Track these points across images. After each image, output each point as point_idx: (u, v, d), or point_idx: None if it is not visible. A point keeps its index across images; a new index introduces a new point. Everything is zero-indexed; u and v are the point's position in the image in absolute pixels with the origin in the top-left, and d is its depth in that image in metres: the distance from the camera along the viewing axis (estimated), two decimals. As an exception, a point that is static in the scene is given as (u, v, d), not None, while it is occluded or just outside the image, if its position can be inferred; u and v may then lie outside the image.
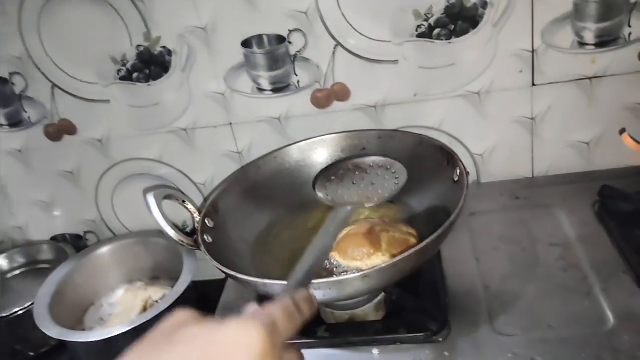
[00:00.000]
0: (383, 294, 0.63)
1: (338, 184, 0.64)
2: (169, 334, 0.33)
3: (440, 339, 0.56)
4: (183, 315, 0.35)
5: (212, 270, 0.68)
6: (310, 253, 0.46)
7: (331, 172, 0.66)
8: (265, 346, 0.30)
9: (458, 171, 0.60)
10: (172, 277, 0.77)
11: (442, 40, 0.71)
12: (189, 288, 0.73)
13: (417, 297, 0.61)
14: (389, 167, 0.64)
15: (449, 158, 0.63)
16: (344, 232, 0.60)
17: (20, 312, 0.78)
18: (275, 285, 0.51)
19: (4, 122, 0.84)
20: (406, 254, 0.49)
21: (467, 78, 0.73)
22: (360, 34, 0.71)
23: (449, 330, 0.57)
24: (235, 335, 0.30)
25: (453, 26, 0.70)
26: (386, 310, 0.62)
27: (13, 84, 0.81)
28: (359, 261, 0.58)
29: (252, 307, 0.35)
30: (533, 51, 0.70)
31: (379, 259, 0.57)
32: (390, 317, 0.61)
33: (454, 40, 0.70)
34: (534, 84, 0.72)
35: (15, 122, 0.84)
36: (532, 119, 0.74)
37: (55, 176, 0.88)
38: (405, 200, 0.67)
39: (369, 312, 0.62)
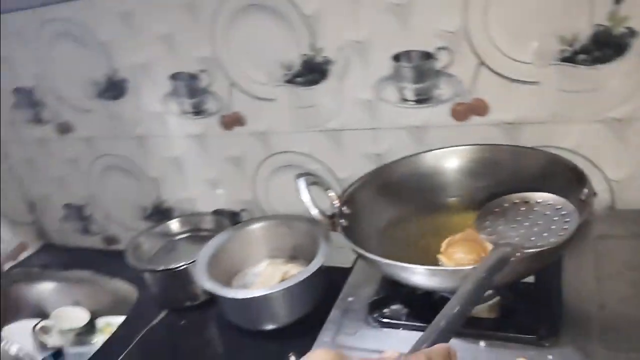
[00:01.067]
0: (498, 297, 0.67)
1: (500, 218, 0.62)
2: None
3: (547, 344, 0.59)
4: (324, 356, 0.36)
5: (340, 258, 0.78)
6: (455, 300, 0.44)
7: (494, 205, 0.65)
8: None
9: (585, 190, 0.63)
10: (308, 259, 0.87)
11: (586, 65, 0.73)
12: (321, 269, 0.83)
13: (530, 302, 0.65)
14: (559, 207, 0.60)
15: (579, 178, 0.66)
16: (451, 238, 0.65)
17: (184, 267, 0.94)
18: (397, 267, 0.59)
19: (189, 110, 1.02)
20: (521, 256, 0.54)
21: (609, 104, 0.74)
22: (504, 54, 0.76)
23: (557, 336, 0.60)
24: None
25: (598, 53, 0.72)
26: (499, 313, 0.67)
27: (200, 79, 0.97)
28: (465, 266, 0.62)
29: (391, 354, 0.37)
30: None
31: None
32: (502, 317, 0.65)
33: (598, 66, 0.72)
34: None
35: (198, 111, 1.01)
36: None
37: (223, 159, 1.04)
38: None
39: (482, 311, 0.67)
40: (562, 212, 0.59)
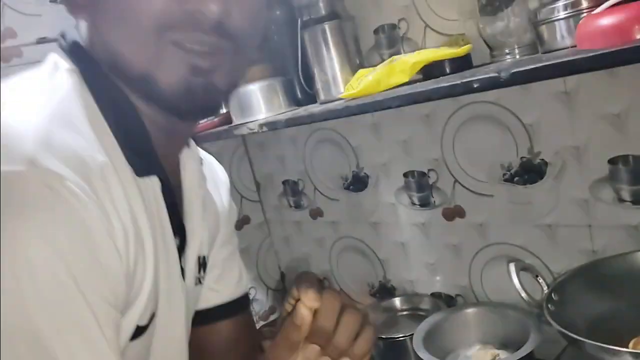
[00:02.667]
0: None
1: None
2: None
3: None
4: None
5: (545, 351, 0.83)
6: None
7: None
8: None
9: None
10: (517, 347, 0.93)
11: (520, 184, 0.98)
12: (531, 354, 0.88)
13: None
14: None
15: None
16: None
17: (402, 338, 1.07)
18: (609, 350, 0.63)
19: (416, 202, 1.19)
20: None
21: (540, 214, 0.98)
22: None
23: None
24: None
25: (527, 176, 0.98)
26: None
27: (429, 176, 1.15)
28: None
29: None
30: None
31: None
32: None
33: (528, 185, 0.98)
34: None
35: (424, 204, 1.18)
36: None
37: (443, 247, 1.18)
38: None
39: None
40: None
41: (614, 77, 0.84)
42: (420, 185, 1.17)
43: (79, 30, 0.57)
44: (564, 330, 0.70)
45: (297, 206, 1.48)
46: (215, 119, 1.18)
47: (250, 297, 1.53)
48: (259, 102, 1.08)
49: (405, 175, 1.19)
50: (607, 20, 0.58)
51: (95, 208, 0.45)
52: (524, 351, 0.89)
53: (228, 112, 1.14)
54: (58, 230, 0.43)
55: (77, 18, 0.56)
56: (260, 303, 1.60)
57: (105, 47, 0.53)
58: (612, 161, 0.89)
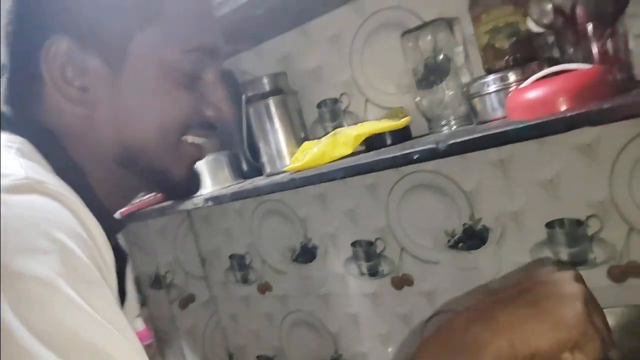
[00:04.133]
0: None
1: None
2: None
3: None
4: None
5: None
6: None
7: None
8: None
9: None
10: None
11: (464, 250, 1.00)
12: None
13: None
14: None
15: None
16: None
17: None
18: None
19: (365, 272, 1.19)
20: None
21: (486, 278, 0.98)
22: (655, 220, 0.82)
23: None
24: None
25: (470, 242, 1.00)
26: None
27: (376, 245, 1.16)
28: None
29: None
30: None
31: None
32: None
33: (472, 251, 1.00)
34: None
35: (373, 273, 1.18)
36: None
37: (393, 316, 1.17)
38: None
39: None
40: None
41: (543, 145, 0.89)
42: (369, 255, 1.18)
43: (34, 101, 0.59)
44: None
45: (245, 281, 1.44)
46: (159, 195, 1.16)
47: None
48: (204, 176, 1.07)
49: (353, 244, 1.19)
50: (533, 94, 0.62)
51: None
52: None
53: (172, 187, 1.12)
54: None
55: (75, 105, 0.59)
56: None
57: (116, 139, 0.59)
58: (549, 225, 0.92)
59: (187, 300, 1.47)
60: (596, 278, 0.89)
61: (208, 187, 1.08)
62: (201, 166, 1.07)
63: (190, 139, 0.63)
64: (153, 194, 1.17)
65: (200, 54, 0.62)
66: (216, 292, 1.53)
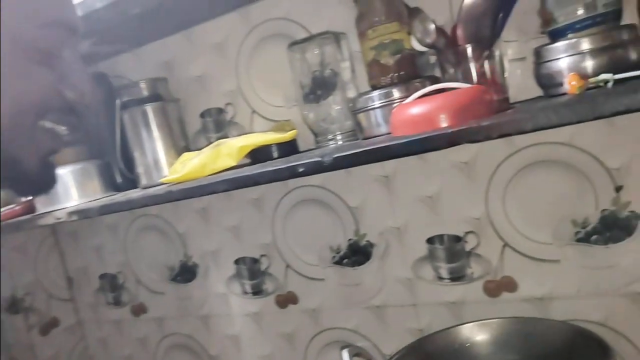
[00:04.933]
0: None
1: None
2: None
3: None
4: None
5: None
6: None
7: None
8: None
9: None
10: None
11: (599, 244, 0.82)
12: None
13: None
14: None
15: (604, 350, 0.70)
16: None
17: None
18: None
19: (249, 290, 1.14)
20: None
21: (627, 279, 0.81)
22: (525, 236, 0.86)
23: None
24: None
25: (609, 233, 0.81)
26: None
27: (260, 262, 1.11)
28: None
29: None
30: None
31: None
32: None
33: (610, 245, 0.81)
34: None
35: (257, 292, 1.13)
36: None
37: (277, 336, 1.13)
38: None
39: None
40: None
41: (425, 162, 0.91)
42: (253, 272, 1.13)
43: None
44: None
45: (117, 303, 1.32)
46: (17, 207, 1.03)
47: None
48: (69, 187, 0.97)
49: (237, 262, 1.14)
50: (416, 110, 0.62)
51: None
52: None
53: (31, 200, 1.00)
54: None
55: None
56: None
57: None
58: (430, 241, 0.94)
59: (49, 326, 1.32)
60: (473, 292, 0.92)
61: (74, 200, 0.97)
62: (65, 176, 0.97)
63: (47, 124, 0.57)
64: (10, 206, 1.04)
65: (56, 30, 0.56)
66: (84, 315, 1.39)
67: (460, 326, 0.86)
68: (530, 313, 0.87)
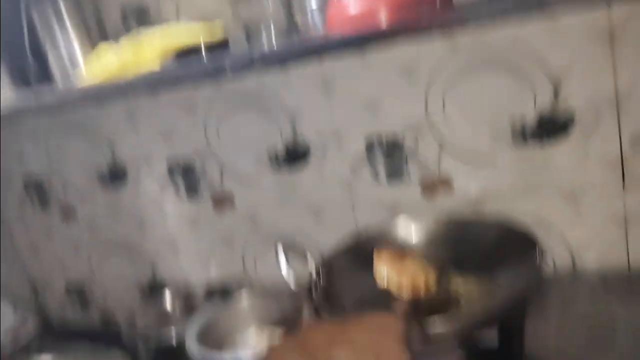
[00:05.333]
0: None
1: None
2: None
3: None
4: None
5: None
6: None
7: None
8: None
9: (537, 253, 0.70)
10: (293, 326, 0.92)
11: (535, 145, 0.83)
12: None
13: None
14: None
15: (531, 243, 0.73)
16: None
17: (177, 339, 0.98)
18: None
19: (183, 194, 1.11)
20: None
21: (562, 178, 0.83)
22: (463, 138, 0.86)
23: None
24: None
25: (545, 134, 0.82)
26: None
27: (194, 167, 1.07)
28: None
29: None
30: (622, 157, 0.79)
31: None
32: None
33: (546, 145, 0.82)
34: (623, 188, 0.80)
35: (192, 195, 1.10)
36: (625, 218, 0.81)
37: (215, 239, 1.12)
38: (493, 277, 0.78)
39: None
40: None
41: (364, 62, 0.86)
42: (187, 177, 1.09)
43: None
44: (326, 312, 0.70)
45: (45, 207, 1.26)
46: None
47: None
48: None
49: (170, 166, 1.09)
50: (352, 8, 0.57)
51: None
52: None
53: None
54: None
55: None
56: (7, 320, 1.35)
57: None
58: (368, 142, 0.92)
59: (-28, 233, 1.25)
60: (410, 193, 0.92)
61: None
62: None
63: None
64: None
65: None
66: (10, 219, 1.32)
67: (395, 224, 0.86)
68: (466, 213, 0.89)
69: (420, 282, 0.76)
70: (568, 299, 0.80)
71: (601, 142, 0.79)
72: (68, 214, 1.24)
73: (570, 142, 0.80)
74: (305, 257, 0.81)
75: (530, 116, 0.81)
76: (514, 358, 0.71)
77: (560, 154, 0.82)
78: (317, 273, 0.79)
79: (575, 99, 0.78)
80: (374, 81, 0.87)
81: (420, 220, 0.86)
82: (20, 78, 0.93)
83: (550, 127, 0.81)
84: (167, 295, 1.15)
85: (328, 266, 0.81)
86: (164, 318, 1.12)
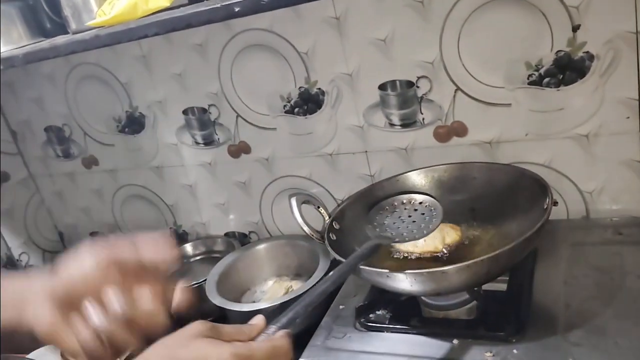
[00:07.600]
0: (474, 301, 0.73)
1: (387, 216, 0.75)
2: (184, 340, 0.44)
3: (513, 340, 0.65)
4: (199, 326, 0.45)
5: None
6: (324, 281, 0.55)
7: (385, 204, 0.77)
8: None
9: (547, 200, 0.69)
10: (310, 275, 0.94)
11: (551, 87, 0.80)
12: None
13: (503, 305, 0.71)
14: (432, 208, 0.73)
15: (542, 189, 0.72)
16: None
17: (196, 285, 1.01)
18: (373, 272, 0.66)
19: (200, 141, 1.12)
20: (478, 259, 0.61)
21: (575, 121, 0.81)
22: (478, 80, 0.84)
23: (523, 334, 0.65)
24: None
25: (562, 76, 0.79)
26: (476, 315, 0.72)
27: (210, 112, 1.07)
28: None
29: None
30: (639, 100, 0.76)
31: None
32: (476, 319, 0.71)
33: (562, 88, 0.80)
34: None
35: (208, 142, 1.11)
36: (639, 161, 0.79)
37: (232, 185, 1.13)
38: (504, 223, 0.77)
39: (461, 314, 0.73)
40: (433, 213, 0.72)
41: (378, 1, 0.84)
42: (202, 123, 1.09)
43: None
44: (341, 260, 0.70)
45: (67, 156, 1.29)
46: None
47: (23, 263, 1.34)
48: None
49: (185, 112, 1.09)
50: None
51: None
52: (314, 280, 0.91)
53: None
54: None
55: None
56: (36, 269, 1.40)
57: None
58: (382, 87, 0.91)
59: (-1, 180, 1.29)
60: (424, 138, 0.91)
61: (-4, 47, 0.89)
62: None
63: None
64: None
65: None
66: (34, 169, 1.36)
67: (408, 173, 0.86)
68: (479, 157, 0.88)
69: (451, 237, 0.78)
70: (579, 245, 0.80)
71: (619, 84, 0.77)
72: (90, 162, 1.27)
73: (587, 84, 0.78)
74: (318, 208, 0.81)
75: (546, 56, 0.79)
76: (521, 296, 0.72)
77: (576, 95, 0.79)
78: (332, 223, 0.80)
79: (593, 38, 0.75)
80: (387, 20, 0.85)
81: (432, 166, 0.86)
82: (37, 28, 0.94)
83: (567, 67, 0.78)
84: (188, 244, 1.18)
85: (342, 215, 0.82)
86: (186, 265, 1.15)
